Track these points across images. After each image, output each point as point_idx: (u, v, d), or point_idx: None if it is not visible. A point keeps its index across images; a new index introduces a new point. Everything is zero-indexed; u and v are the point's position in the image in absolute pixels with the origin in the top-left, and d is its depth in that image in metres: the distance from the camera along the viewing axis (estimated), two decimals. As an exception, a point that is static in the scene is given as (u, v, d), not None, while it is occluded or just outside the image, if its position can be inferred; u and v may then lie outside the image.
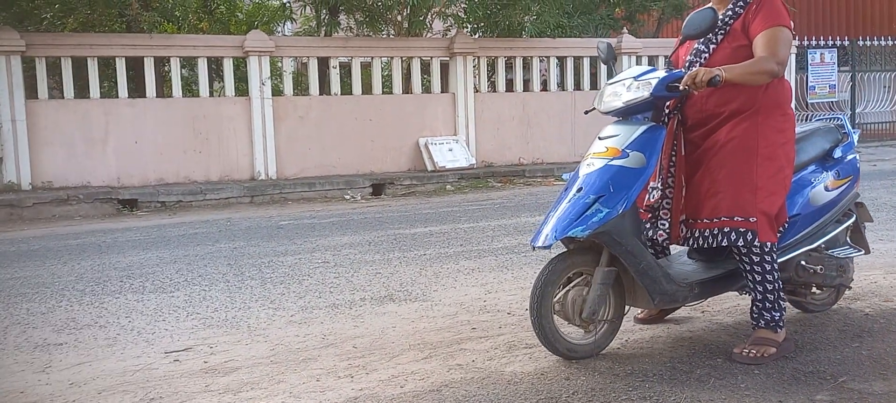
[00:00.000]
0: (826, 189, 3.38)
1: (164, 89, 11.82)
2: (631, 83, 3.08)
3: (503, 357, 3.29)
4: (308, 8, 13.67)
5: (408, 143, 12.44)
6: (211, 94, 11.99)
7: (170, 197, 10.39)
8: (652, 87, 2.99)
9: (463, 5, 13.38)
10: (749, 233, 2.96)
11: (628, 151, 3.01)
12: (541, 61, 13.70)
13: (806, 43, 15.58)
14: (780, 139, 3.06)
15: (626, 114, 3.14)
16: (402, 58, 12.73)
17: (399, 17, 13.12)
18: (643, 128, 3.06)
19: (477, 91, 13.18)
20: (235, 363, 3.37)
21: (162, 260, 6.08)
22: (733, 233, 2.98)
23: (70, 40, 11.13)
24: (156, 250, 6.61)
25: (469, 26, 13.58)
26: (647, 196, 3.20)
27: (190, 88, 12.63)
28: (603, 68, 13.99)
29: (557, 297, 3.06)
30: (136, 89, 11.35)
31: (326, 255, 6.01)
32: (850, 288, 3.72)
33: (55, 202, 9.91)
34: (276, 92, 12.13)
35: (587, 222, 2.92)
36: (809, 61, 15.63)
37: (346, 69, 12.82)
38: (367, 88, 12.66)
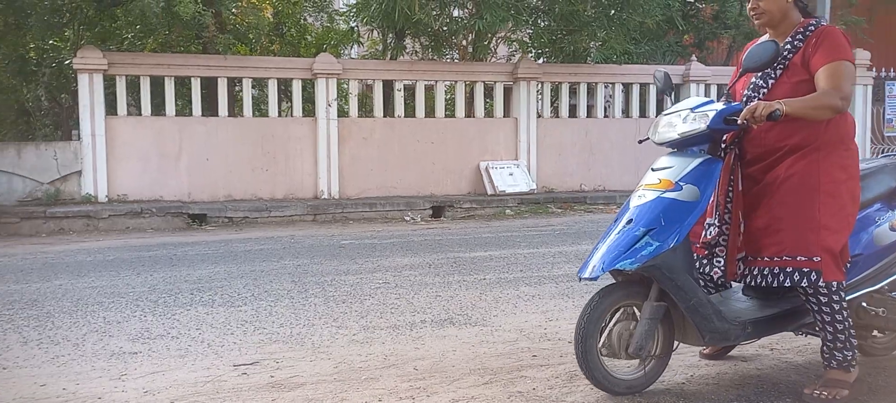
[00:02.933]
0: (892, 228, 3.23)
1: (235, 109, 12.20)
2: (687, 114, 3.02)
3: (564, 386, 3.29)
4: (375, 31, 13.93)
5: (468, 167, 12.52)
6: (279, 114, 12.33)
7: (237, 213, 10.68)
8: (709, 120, 2.93)
9: (528, 31, 13.43)
10: (813, 274, 2.87)
11: (682, 184, 2.94)
12: (605, 88, 13.63)
13: (884, 74, 15.07)
14: (842, 175, 2.96)
15: (681, 146, 3.08)
16: (465, 82, 12.86)
17: (464, 42, 13.26)
18: (699, 160, 2.99)
19: (540, 116, 13.18)
20: (300, 379, 3.45)
21: (230, 274, 6.26)
22: (797, 274, 2.89)
23: (149, 60, 11.63)
24: (224, 264, 6.82)
25: (534, 52, 13.61)
26: (704, 232, 3.10)
27: (259, 108, 13.00)
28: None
29: (605, 331, 3.00)
30: (209, 108, 11.75)
31: (387, 276, 6.09)
32: None
33: (129, 214, 10.31)
34: (342, 113, 12.39)
35: (636, 255, 2.86)
36: (887, 93, 15.12)
37: (409, 92, 13.01)
38: (429, 111, 12.82)
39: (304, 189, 11.87)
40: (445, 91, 13.16)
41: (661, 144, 3.17)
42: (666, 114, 3.17)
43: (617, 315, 3.02)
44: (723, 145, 3.10)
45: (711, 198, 3.02)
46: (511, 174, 12.33)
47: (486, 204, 11.67)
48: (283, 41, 13.85)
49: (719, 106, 2.98)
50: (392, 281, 5.85)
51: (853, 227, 3.05)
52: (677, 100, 3.36)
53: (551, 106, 13.59)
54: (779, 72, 3.02)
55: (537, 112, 13.16)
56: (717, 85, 13.81)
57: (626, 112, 13.70)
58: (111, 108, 11.23)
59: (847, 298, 3.03)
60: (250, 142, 11.67)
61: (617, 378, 3.06)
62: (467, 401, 3.11)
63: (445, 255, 7.23)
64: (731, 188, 3.08)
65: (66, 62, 12.08)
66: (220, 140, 11.53)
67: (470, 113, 12.99)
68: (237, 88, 12.19)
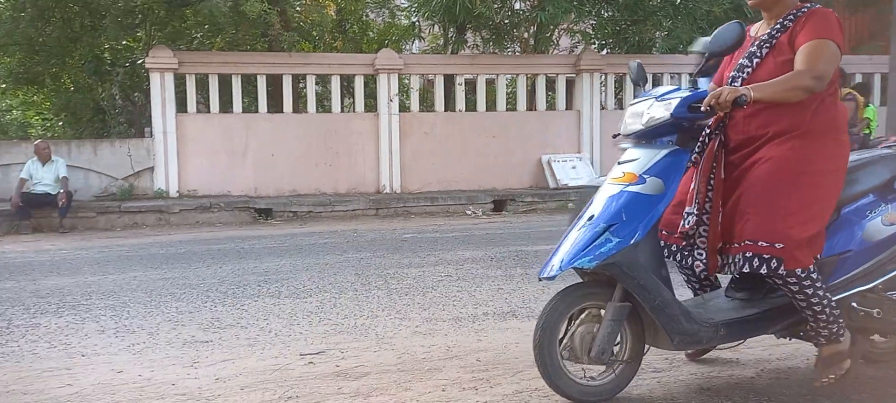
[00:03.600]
0: (885, 223, 2.94)
1: (299, 105, 12.42)
2: (652, 103, 2.83)
3: (629, 379, 3.23)
4: (436, 26, 13.98)
5: (530, 160, 12.44)
6: (342, 110, 12.49)
7: (301, 207, 10.88)
8: (672, 108, 2.75)
9: (591, 22, 13.26)
10: (774, 260, 2.68)
11: (646, 177, 2.76)
12: (671, 78, 13.33)
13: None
14: (829, 166, 2.79)
15: (648, 136, 2.88)
16: (527, 75, 12.78)
17: (526, 35, 13.18)
18: (664, 152, 2.79)
19: (603, 108, 12.99)
20: (365, 368, 3.49)
21: (295, 267, 6.38)
22: (756, 260, 2.71)
23: (217, 58, 11.95)
24: (289, 257, 6.95)
25: (597, 43, 13.43)
26: (682, 222, 2.89)
27: (322, 104, 13.21)
28: (739, 83, 13.46)
29: (567, 333, 2.82)
30: (274, 105, 12.00)
31: (449, 269, 6.10)
32: None
33: (199, 209, 10.62)
34: (403, 108, 12.48)
35: (595, 252, 2.69)
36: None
37: (470, 86, 12.99)
38: (491, 105, 12.79)
39: (366, 183, 12.00)
40: (507, 84, 13.12)
41: (628, 136, 2.97)
42: (633, 104, 2.96)
43: (582, 316, 2.84)
44: (706, 131, 2.92)
45: (694, 187, 2.85)
46: (574, 167, 12.21)
47: (548, 198, 11.59)
48: (345, 38, 14.03)
49: (685, 93, 2.79)
50: (454, 275, 5.86)
51: (842, 223, 2.90)
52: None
53: (615, 97, 13.38)
54: (765, 51, 2.88)
55: (600, 104, 12.98)
56: (789, 74, 13.37)
57: (693, 103, 13.39)
58: (181, 106, 11.58)
59: (835, 298, 2.85)
60: (314, 138, 11.86)
61: (580, 383, 2.86)
62: (530, 393, 3.09)
63: (507, 249, 7.20)
64: (712, 176, 2.90)
65: (139, 62, 12.52)
66: (284, 136, 11.75)
67: (531, 106, 12.91)
68: (301, 85, 12.40)
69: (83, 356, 3.80)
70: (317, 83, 12.65)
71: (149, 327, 4.35)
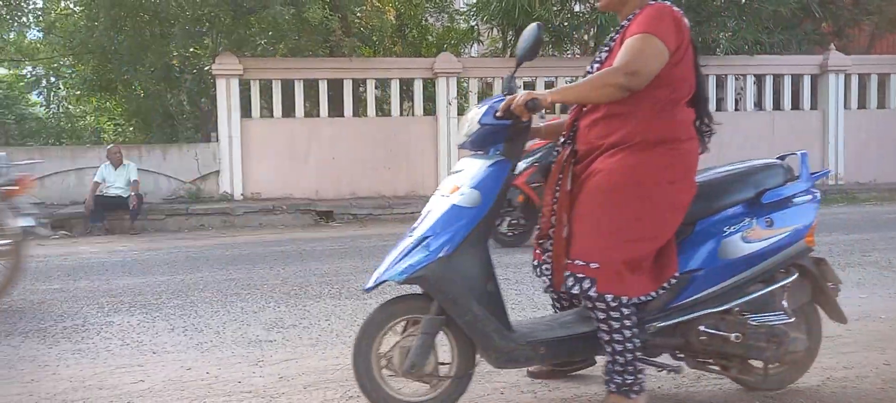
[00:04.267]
0: (745, 239, 2.73)
1: (359, 109, 12.59)
2: (476, 111, 2.73)
3: None
4: (494, 30, 13.98)
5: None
6: (401, 114, 12.60)
7: (361, 210, 11.01)
8: (480, 116, 2.67)
9: (653, 23, 13.04)
10: (586, 281, 2.51)
11: (465, 189, 2.66)
12: (736, 80, 13.01)
13: None
14: (664, 177, 2.55)
15: (478, 147, 2.80)
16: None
17: (585, 37, 13.06)
18: (488, 162, 2.69)
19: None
20: (425, 371, 3.51)
21: (355, 268, 6.46)
22: (571, 279, 2.55)
23: (280, 64, 12.21)
24: (350, 259, 7.04)
25: (658, 44, 13.19)
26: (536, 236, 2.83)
27: (382, 108, 13.36)
28: (806, 84, 13.04)
29: (389, 347, 2.73)
30: (335, 109, 12.18)
31: (508, 272, 6.08)
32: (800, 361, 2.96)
33: (262, 212, 10.85)
34: (462, 111, 12.50)
35: (405, 265, 2.61)
36: None
37: (530, 89, 12.95)
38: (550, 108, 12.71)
39: (425, 186, 12.07)
40: (566, 87, 13.02)
41: (460, 147, 2.90)
42: (469, 112, 2.86)
43: (411, 329, 2.74)
44: (560, 140, 2.82)
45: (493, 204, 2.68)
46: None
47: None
48: (405, 42, 14.16)
49: (495, 100, 2.68)
50: (512, 278, 5.83)
51: (693, 239, 2.71)
52: None
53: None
54: (603, 55, 2.69)
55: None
56: (859, 75, 12.89)
57: (759, 104, 13.05)
58: (246, 111, 11.87)
59: (681, 319, 2.69)
60: (373, 141, 12.00)
61: (400, 398, 2.73)
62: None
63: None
64: (559, 188, 2.74)
65: (206, 68, 12.89)
66: (345, 139, 11.93)
67: (591, 109, 12.78)
68: (361, 89, 12.58)
69: (154, 353, 3.93)
70: (377, 87, 12.80)
71: (216, 326, 4.47)
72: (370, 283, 2.70)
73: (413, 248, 2.64)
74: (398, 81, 12.26)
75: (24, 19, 13.45)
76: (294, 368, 3.58)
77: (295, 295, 5.34)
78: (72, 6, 13.70)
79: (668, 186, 2.55)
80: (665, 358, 2.83)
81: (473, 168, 2.72)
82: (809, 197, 2.82)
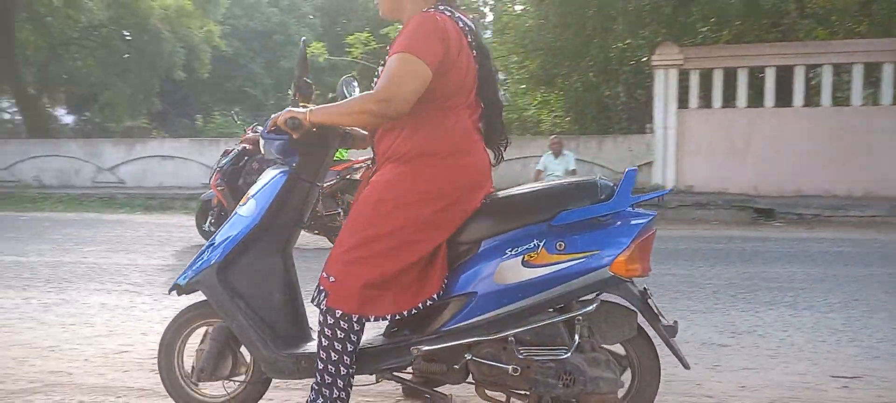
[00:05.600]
0: (525, 263, 2.35)
1: (810, 98, 11.40)
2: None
3: None
4: None
5: None
6: (862, 103, 11.05)
7: (807, 209, 9.97)
8: (264, 128, 2.64)
9: None
10: (322, 294, 2.41)
11: (251, 198, 2.69)
12: None
13: None
14: (412, 195, 2.36)
15: (280, 157, 2.69)
16: None
17: None
18: (275, 172, 2.70)
19: None
20: (920, 409, 2.96)
21: (808, 276, 5.82)
22: (315, 290, 2.45)
23: (723, 52, 11.67)
24: (799, 265, 6.39)
25: None
26: None
27: (836, 97, 11.89)
28: None
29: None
30: (781, 98, 11.22)
31: None
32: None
33: (695, 205, 10.55)
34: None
35: (190, 270, 2.68)
36: None
37: None
38: None
39: (888, 186, 10.42)
40: None
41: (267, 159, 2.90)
42: None
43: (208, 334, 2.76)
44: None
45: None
46: None
47: None
48: (871, 21, 12.35)
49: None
50: None
51: (466, 260, 2.42)
52: None
53: None
54: (380, 69, 2.42)
55: None
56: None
57: None
58: (682, 102, 11.64)
59: (447, 344, 2.41)
60: (824, 134, 10.76)
61: (201, 400, 2.81)
62: None
63: None
64: None
65: (643, 59, 12.97)
66: (791, 131, 10.91)
67: None
68: (811, 76, 11.35)
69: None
70: (833, 73, 11.43)
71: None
72: (168, 288, 2.80)
73: (201, 254, 2.70)
74: (861, 66, 10.75)
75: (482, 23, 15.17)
76: (755, 379, 3.32)
77: (743, 298, 5.01)
78: (525, 7, 15.01)
79: (419, 204, 2.36)
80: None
81: (264, 179, 2.74)
82: (620, 220, 2.35)
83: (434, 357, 2.45)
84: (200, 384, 2.79)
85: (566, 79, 14.78)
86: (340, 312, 2.37)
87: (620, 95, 14.12)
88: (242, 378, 2.77)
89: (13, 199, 12.92)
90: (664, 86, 11.46)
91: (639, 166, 11.77)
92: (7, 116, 27.98)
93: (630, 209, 2.38)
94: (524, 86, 16.79)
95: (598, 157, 12.13)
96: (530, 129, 17.83)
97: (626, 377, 2.51)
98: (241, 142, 7.29)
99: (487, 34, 17.50)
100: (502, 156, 2.60)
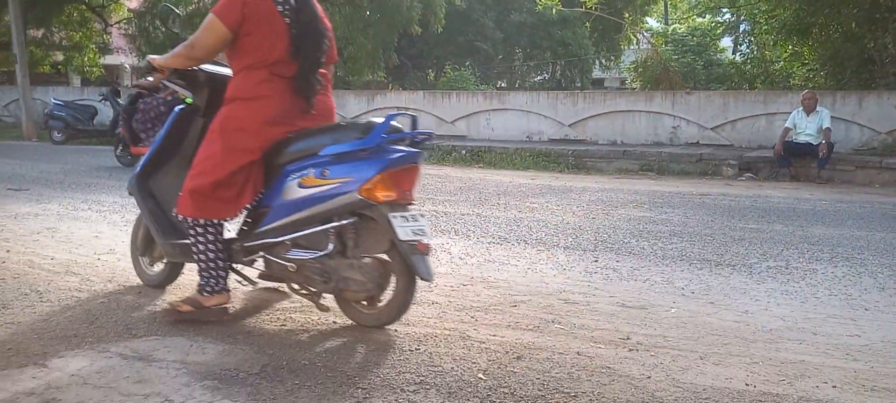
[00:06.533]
0: (300, 185, 3.12)
1: None
2: None
3: None
4: None
5: None
6: None
7: None
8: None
9: None
10: (179, 204, 3.27)
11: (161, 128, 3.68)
12: None
13: None
14: (228, 126, 3.16)
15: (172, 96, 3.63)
16: None
17: None
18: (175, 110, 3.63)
19: None
20: None
21: None
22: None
23: None
24: None
25: None
26: None
27: None
28: None
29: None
30: None
31: None
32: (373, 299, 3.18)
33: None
34: None
35: (131, 177, 3.71)
36: None
37: None
38: None
39: None
40: None
41: None
42: None
43: None
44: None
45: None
46: None
47: None
48: None
49: None
50: None
51: (271, 181, 3.22)
52: None
53: None
54: None
55: None
56: None
57: None
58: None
59: (253, 243, 3.27)
60: None
61: (146, 273, 3.91)
62: None
63: None
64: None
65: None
66: None
67: None
68: None
69: (866, 310, 3.65)
70: None
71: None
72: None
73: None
74: None
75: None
76: None
77: None
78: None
79: (234, 133, 3.15)
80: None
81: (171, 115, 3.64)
82: (376, 155, 2.97)
83: (250, 252, 3.31)
84: (150, 263, 3.89)
85: (823, 28, 13.30)
86: (190, 219, 3.22)
87: (888, 46, 12.41)
88: (164, 259, 3.77)
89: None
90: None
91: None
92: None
93: (391, 146, 2.99)
94: (772, 36, 15.40)
95: (857, 115, 10.85)
96: (779, 84, 16.37)
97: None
98: (133, 86, 7.87)
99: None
100: (312, 104, 3.23)
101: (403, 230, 2.93)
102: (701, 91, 14.15)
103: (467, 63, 25.75)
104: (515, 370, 2.79)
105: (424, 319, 3.41)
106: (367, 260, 3.08)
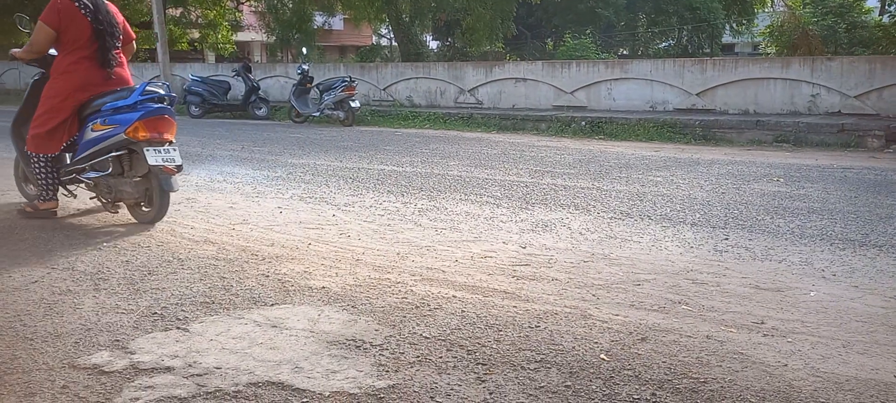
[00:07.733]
0: (92, 130, 4.82)
1: None
2: None
3: None
4: None
5: None
6: None
7: None
8: None
9: None
10: (27, 144, 5.01)
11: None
12: None
13: None
14: (50, 92, 4.87)
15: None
16: None
17: None
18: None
19: None
20: None
21: None
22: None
23: None
24: None
25: None
26: None
27: None
28: None
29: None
30: None
31: None
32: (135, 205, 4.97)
33: None
34: None
35: None
36: None
37: None
38: None
39: None
40: None
41: None
42: None
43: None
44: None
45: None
46: None
47: None
48: None
49: None
50: None
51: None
52: None
53: None
54: None
55: None
56: None
57: None
58: None
59: (72, 168, 5.01)
60: None
61: (26, 193, 5.51)
62: None
63: None
64: None
65: None
66: None
67: None
68: None
69: None
70: None
71: None
72: None
73: None
74: None
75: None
76: None
77: None
78: None
79: (55, 99, 4.86)
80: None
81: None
82: (137, 110, 4.67)
83: (72, 173, 5.01)
84: (25, 185, 5.53)
85: None
86: (31, 153, 4.91)
87: None
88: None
89: (390, 117, 14.63)
90: None
91: None
92: (385, 42, 31.69)
93: (149, 103, 4.68)
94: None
95: None
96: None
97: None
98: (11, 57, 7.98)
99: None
100: (110, 75, 4.88)
101: (154, 158, 4.63)
102: (843, 56, 13.13)
103: (588, 31, 25.06)
104: (640, 352, 2.71)
105: (544, 296, 3.37)
106: (136, 178, 4.77)
